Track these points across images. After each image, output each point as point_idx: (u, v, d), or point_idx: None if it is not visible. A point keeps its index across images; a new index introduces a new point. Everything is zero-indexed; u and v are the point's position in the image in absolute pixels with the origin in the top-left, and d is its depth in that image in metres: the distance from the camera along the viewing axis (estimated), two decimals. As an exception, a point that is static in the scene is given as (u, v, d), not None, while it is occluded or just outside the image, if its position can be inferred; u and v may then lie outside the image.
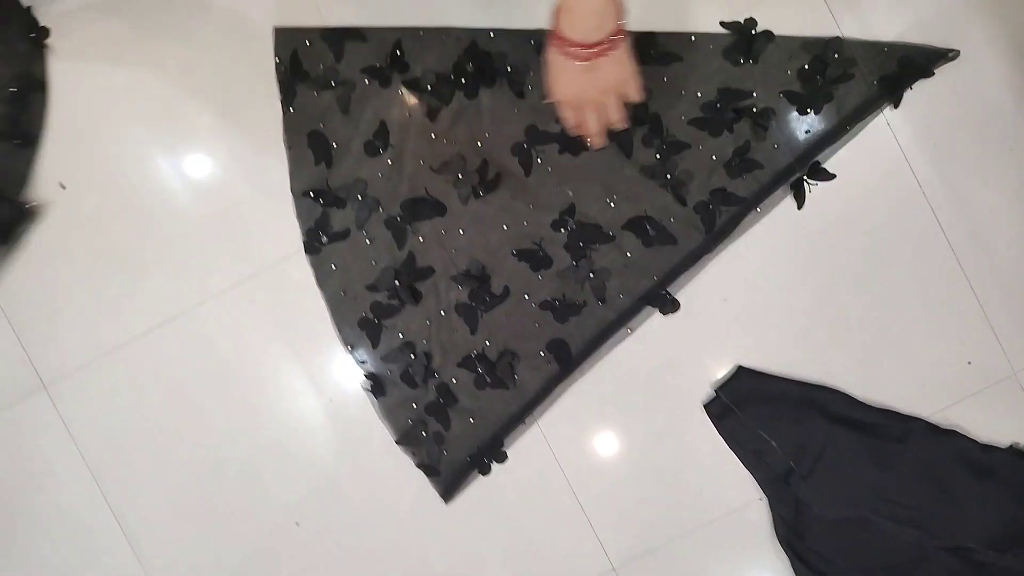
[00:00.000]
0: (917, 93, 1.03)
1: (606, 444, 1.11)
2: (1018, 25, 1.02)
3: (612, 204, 1.07)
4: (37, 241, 1.13)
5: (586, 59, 0.82)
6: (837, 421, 1.03)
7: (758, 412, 1.04)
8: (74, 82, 1.13)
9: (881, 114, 1.04)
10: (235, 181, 1.12)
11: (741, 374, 1.07)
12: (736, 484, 1.09)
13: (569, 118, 0.93)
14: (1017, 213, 1.04)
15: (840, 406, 1.04)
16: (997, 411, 1.05)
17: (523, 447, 1.12)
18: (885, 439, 1.03)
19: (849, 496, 1.02)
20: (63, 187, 1.13)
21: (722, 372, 1.09)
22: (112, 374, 1.14)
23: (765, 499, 1.08)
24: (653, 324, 1.09)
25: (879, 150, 1.05)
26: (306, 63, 1.10)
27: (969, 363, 1.06)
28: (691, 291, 1.08)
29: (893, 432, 1.03)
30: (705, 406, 1.08)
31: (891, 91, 1.03)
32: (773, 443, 1.04)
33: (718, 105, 1.05)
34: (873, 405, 1.06)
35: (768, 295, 1.07)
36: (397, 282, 1.10)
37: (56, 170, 1.13)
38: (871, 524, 1.02)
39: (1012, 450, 1.04)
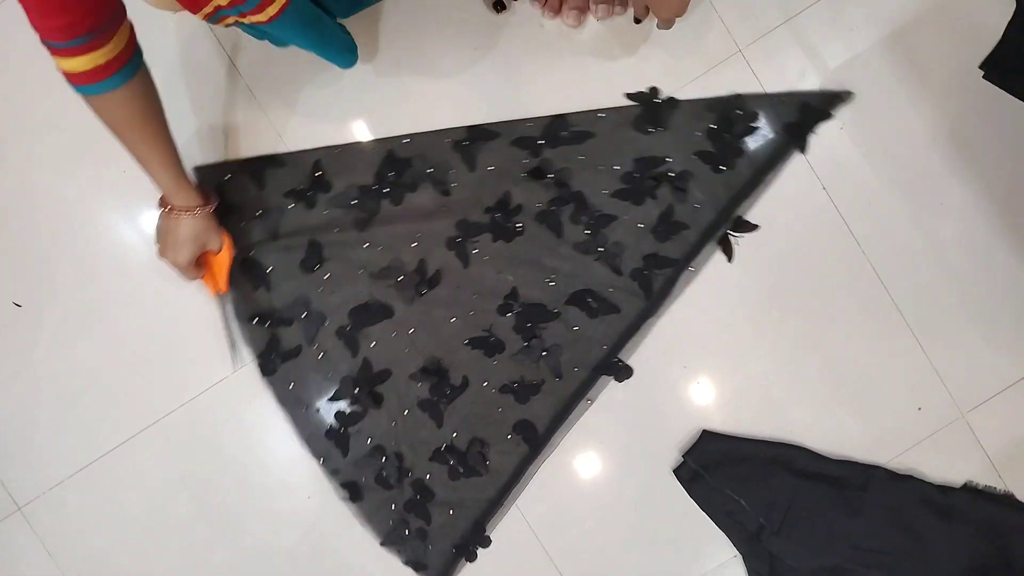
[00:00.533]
0: (826, 136, 1.08)
1: (582, 517, 1.14)
2: (899, 62, 1.07)
3: (552, 283, 1.11)
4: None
5: None
6: (802, 475, 1.08)
7: (726, 474, 1.09)
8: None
9: (804, 161, 1.09)
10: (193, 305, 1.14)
11: (706, 438, 1.11)
12: (710, 543, 1.13)
13: None
14: (947, 254, 1.10)
15: (803, 461, 1.09)
16: (949, 452, 1.11)
17: (504, 529, 1.14)
18: (849, 488, 1.07)
19: (820, 546, 1.07)
20: (18, 305, 1.14)
21: (688, 436, 1.12)
22: (87, 490, 1.15)
23: (740, 556, 1.12)
24: (618, 395, 1.12)
25: (807, 199, 1.10)
26: (231, 196, 1.11)
27: (919, 409, 1.11)
28: (652, 361, 1.12)
29: (855, 481, 1.08)
30: (675, 471, 1.12)
31: (796, 137, 1.08)
32: (743, 502, 1.08)
33: (636, 175, 1.09)
34: (834, 457, 1.10)
35: (725, 359, 1.12)
36: (357, 390, 1.12)
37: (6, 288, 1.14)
38: (844, 572, 1.07)
39: (967, 488, 1.09)
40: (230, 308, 1.12)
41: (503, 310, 1.11)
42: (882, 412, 1.11)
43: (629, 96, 1.09)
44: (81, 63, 0.77)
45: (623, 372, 1.11)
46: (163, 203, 0.99)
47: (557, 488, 1.14)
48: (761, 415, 1.12)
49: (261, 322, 1.12)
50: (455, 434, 1.13)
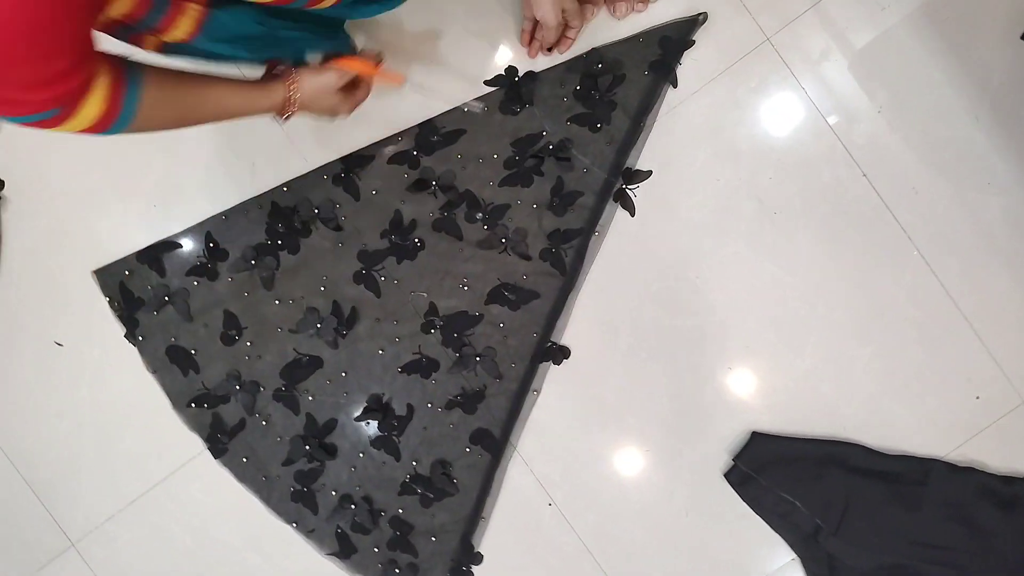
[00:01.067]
0: (864, 121, 1.04)
1: (631, 526, 1.11)
2: (933, 38, 1.03)
3: (466, 288, 1.08)
4: (43, 398, 1.17)
5: None
6: (857, 473, 1.03)
7: (778, 475, 1.04)
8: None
9: (842, 147, 1.04)
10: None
11: (756, 439, 1.07)
12: (767, 547, 1.09)
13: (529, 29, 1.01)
14: (997, 236, 1.04)
15: (858, 458, 1.04)
16: (1011, 442, 1.05)
17: (553, 540, 1.12)
18: (907, 483, 1.02)
19: (880, 544, 1.02)
20: (60, 344, 1.15)
21: (737, 439, 1.09)
22: (137, 523, 1.18)
23: (798, 559, 1.08)
24: (663, 402, 1.09)
25: (847, 186, 1.06)
26: (135, 290, 1.11)
27: (978, 398, 1.06)
28: (699, 366, 1.09)
29: (914, 476, 1.03)
30: (725, 475, 1.08)
31: (664, 74, 1.05)
32: (797, 503, 1.03)
33: (517, 157, 1.06)
34: (889, 453, 1.05)
35: (771, 358, 1.08)
36: (308, 447, 1.10)
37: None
38: (907, 570, 1.02)
39: (1032, 477, 1.03)
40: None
41: (426, 328, 1.09)
42: (938, 403, 1.06)
43: (488, 83, 1.06)
44: (89, 115, 0.65)
45: (559, 354, 1.08)
46: (279, 114, 0.87)
47: (605, 498, 1.11)
48: (812, 414, 1.08)
49: (199, 406, 1.12)
50: (415, 463, 1.11)
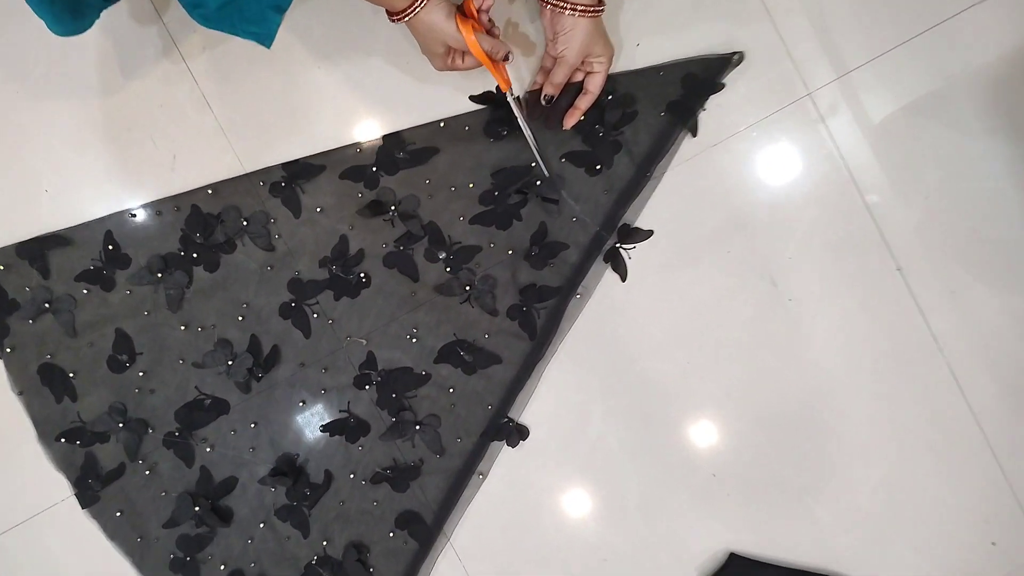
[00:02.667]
0: (903, 207, 0.88)
1: None
2: (792, 9, 0.87)
3: (414, 340, 0.90)
4: None
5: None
6: None
7: None
8: None
9: (879, 237, 0.88)
10: None
11: (734, 562, 0.90)
12: None
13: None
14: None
15: None
16: None
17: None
18: None
19: None
20: None
21: (712, 559, 0.91)
22: None
23: None
24: (630, 505, 0.92)
25: (877, 279, 0.89)
26: (9, 290, 0.90)
27: (993, 544, 0.90)
28: (677, 468, 0.92)
29: None
30: None
31: (683, 117, 0.88)
32: None
33: (496, 193, 0.88)
34: None
35: (761, 467, 0.91)
36: (198, 507, 0.90)
37: None
38: None
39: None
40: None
41: (360, 382, 0.90)
42: (948, 545, 0.91)
43: (474, 99, 0.88)
44: None
45: (516, 434, 0.90)
46: (391, 13, 0.76)
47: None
48: (801, 538, 0.91)
49: (71, 441, 0.91)
50: (326, 542, 0.91)
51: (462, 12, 0.78)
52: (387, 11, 0.77)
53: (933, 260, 0.88)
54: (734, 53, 0.87)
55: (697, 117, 0.88)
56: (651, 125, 0.88)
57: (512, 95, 0.83)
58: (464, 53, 0.79)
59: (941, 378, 0.89)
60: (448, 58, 0.80)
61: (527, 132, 0.84)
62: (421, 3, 0.74)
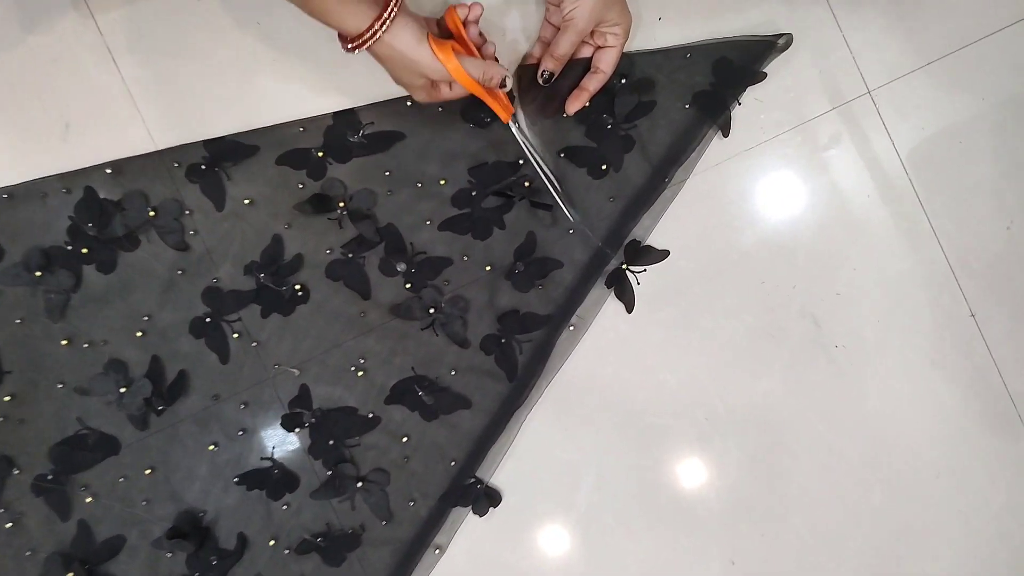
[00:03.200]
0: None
1: None
2: None
3: (361, 373, 0.71)
4: None
5: None
6: None
7: None
8: None
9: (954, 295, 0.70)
10: None
11: None
12: None
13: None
14: None
15: None
16: None
17: None
18: None
19: None
20: None
21: None
22: None
23: None
24: None
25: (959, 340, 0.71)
26: None
27: None
28: (687, 553, 0.73)
29: None
30: None
31: (712, 112, 0.70)
32: None
33: (474, 193, 0.70)
34: None
35: (793, 559, 0.73)
36: (71, 574, 0.70)
37: None
38: None
39: None
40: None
41: (290, 423, 0.71)
42: None
43: (451, 72, 0.70)
44: None
45: (485, 499, 0.71)
46: (345, 42, 0.60)
47: None
48: None
49: (-88, 479, 0.71)
50: (235, 625, 0.71)
51: (440, 29, 0.62)
52: (340, 37, 0.60)
53: (1015, 305, 0.71)
54: (780, 35, 0.70)
55: (730, 112, 0.70)
56: (672, 119, 0.71)
57: (515, 124, 0.65)
58: (450, 81, 0.62)
59: (1021, 452, 0.72)
60: (431, 89, 0.62)
61: (540, 168, 0.67)
62: (381, 25, 0.57)
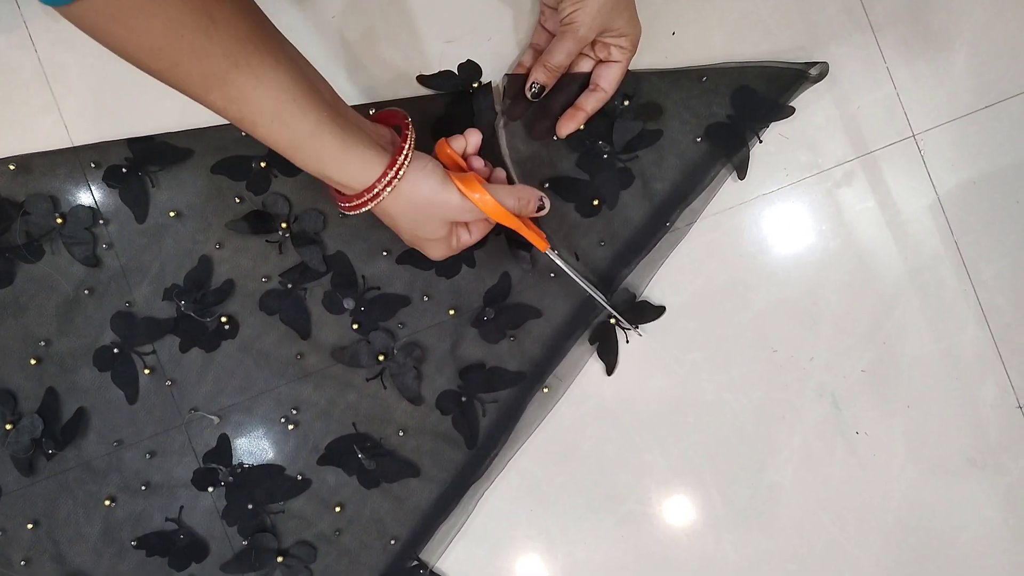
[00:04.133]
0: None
1: None
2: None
3: (292, 424, 0.60)
4: None
5: None
6: None
7: None
8: None
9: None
10: None
11: None
12: None
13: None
14: None
15: None
16: None
17: None
18: None
19: None
20: None
21: None
22: None
23: None
24: None
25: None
26: None
27: None
28: None
29: None
30: None
31: (728, 148, 0.60)
32: None
33: (441, 221, 0.59)
34: None
35: None
36: (-73, 644, 0.59)
37: None
38: None
39: None
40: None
41: (203, 480, 0.59)
42: None
43: (423, 80, 0.60)
44: None
45: (429, 590, 0.60)
46: (339, 202, 0.49)
47: None
48: None
49: None
50: None
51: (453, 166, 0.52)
52: (338, 198, 0.49)
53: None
54: (813, 64, 0.59)
55: (749, 150, 0.60)
56: (680, 153, 0.60)
57: (555, 251, 0.55)
58: (470, 223, 0.52)
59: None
60: (452, 238, 0.52)
61: (593, 293, 0.57)
62: (398, 171, 0.46)
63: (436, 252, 0.52)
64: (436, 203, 0.48)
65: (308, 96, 0.43)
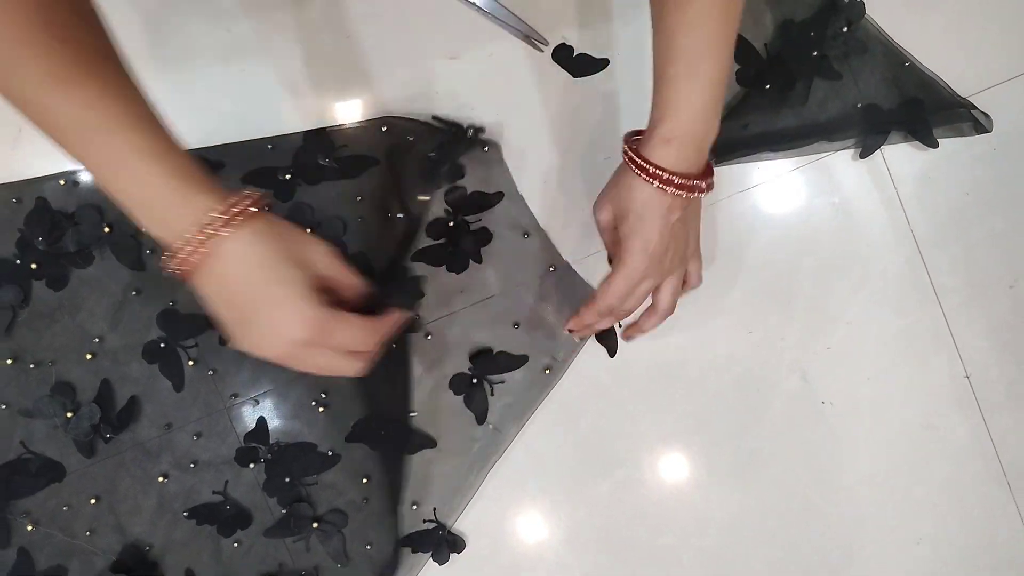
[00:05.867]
0: None
1: None
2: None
3: (322, 407, 0.67)
4: None
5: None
6: None
7: None
8: None
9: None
10: None
11: None
12: None
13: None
14: None
15: None
16: None
17: None
18: None
19: None
20: None
21: None
22: None
23: None
24: None
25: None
26: None
27: None
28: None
29: None
30: None
31: (870, 128, 0.66)
32: None
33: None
34: None
35: None
36: (9, 603, 0.67)
37: None
38: None
39: None
40: None
41: (245, 458, 0.67)
42: None
43: (438, 121, 0.66)
44: None
45: (446, 546, 0.68)
46: (164, 255, 0.41)
47: None
48: None
49: None
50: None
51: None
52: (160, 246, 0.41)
53: (1014, 371, 0.67)
54: (985, 114, 0.64)
55: (884, 140, 0.66)
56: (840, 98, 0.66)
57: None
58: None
59: (1015, 532, 0.68)
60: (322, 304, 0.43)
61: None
62: (237, 217, 0.40)
63: (303, 363, 0.43)
64: (298, 247, 0.43)
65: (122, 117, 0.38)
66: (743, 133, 0.66)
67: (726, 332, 0.67)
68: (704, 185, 0.50)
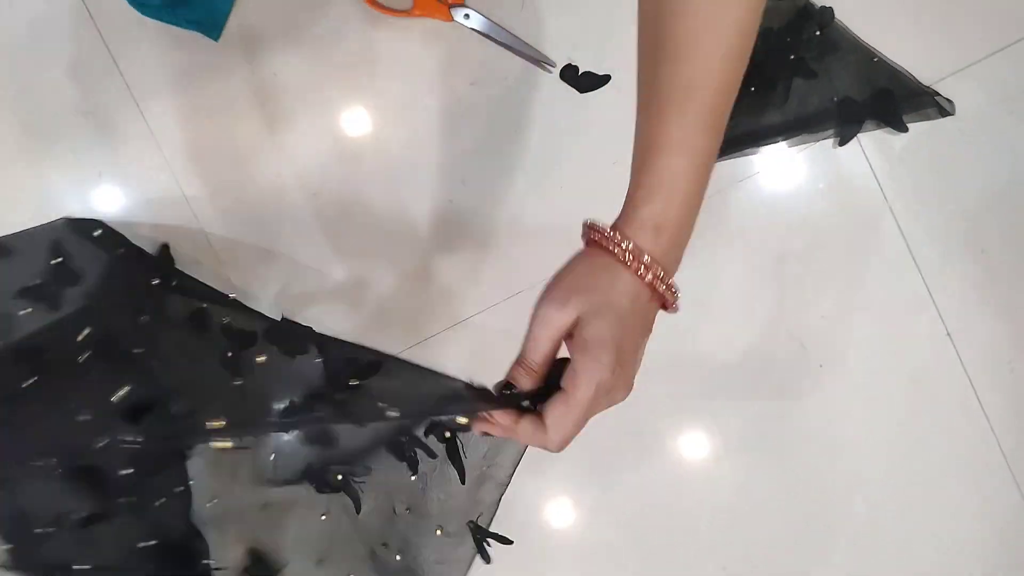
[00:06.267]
0: None
1: None
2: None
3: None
4: None
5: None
6: None
7: None
8: None
9: None
10: None
11: None
12: None
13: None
14: None
15: None
16: None
17: None
18: None
19: None
20: None
21: None
22: None
23: None
24: None
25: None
26: None
27: None
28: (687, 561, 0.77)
29: None
30: None
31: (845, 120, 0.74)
32: None
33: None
34: None
35: (768, 564, 0.77)
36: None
37: None
38: None
39: None
40: None
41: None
42: None
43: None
44: None
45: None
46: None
47: None
48: None
49: None
50: None
51: None
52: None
53: (990, 326, 0.75)
54: (948, 100, 0.72)
55: (859, 130, 0.73)
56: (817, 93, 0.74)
57: None
58: None
59: (995, 470, 0.76)
60: None
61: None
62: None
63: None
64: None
65: None
66: (731, 132, 0.74)
67: (729, 309, 0.76)
68: (678, 301, 0.39)
